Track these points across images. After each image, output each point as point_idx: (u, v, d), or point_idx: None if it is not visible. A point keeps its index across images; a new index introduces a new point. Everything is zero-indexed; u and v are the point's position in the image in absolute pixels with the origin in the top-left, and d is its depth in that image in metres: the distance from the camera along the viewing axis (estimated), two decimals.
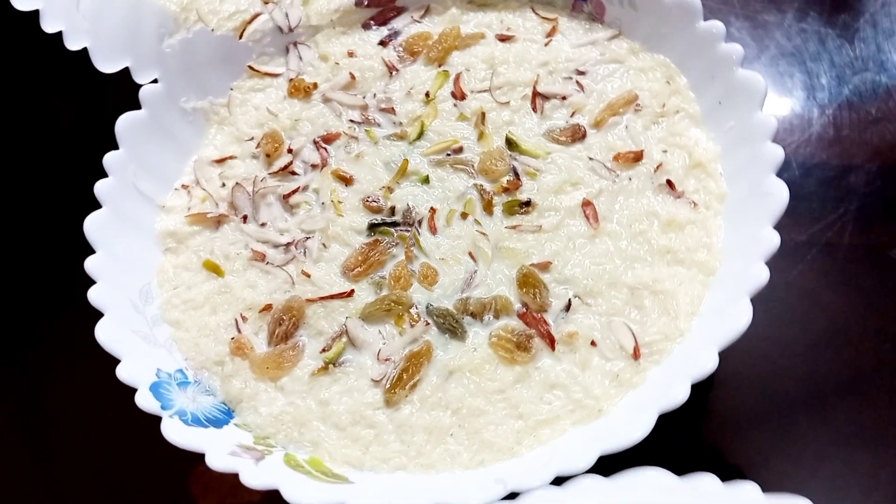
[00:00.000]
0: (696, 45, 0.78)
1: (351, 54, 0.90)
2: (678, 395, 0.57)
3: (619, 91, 0.81)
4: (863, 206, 0.87)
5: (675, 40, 0.80)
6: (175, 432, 0.61)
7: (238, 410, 0.70)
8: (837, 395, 0.76)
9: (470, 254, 0.74)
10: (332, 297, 0.73)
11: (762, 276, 0.60)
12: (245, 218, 0.80)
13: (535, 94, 0.83)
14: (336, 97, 0.87)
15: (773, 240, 0.62)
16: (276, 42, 0.90)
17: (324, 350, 0.71)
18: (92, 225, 0.73)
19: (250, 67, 0.90)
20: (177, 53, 0.84)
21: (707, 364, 0.58)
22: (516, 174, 0.78)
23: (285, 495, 0.56)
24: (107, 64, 0.82)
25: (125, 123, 0.80)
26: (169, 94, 0.84)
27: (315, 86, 0.88)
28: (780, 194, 0.64)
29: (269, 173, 0.83)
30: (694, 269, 0.69)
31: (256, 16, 0.87)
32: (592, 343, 0.67)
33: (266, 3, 0.88)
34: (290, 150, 0.84)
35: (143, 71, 0.83)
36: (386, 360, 0.69)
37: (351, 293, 0.73)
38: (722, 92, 0.75)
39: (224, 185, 0.83)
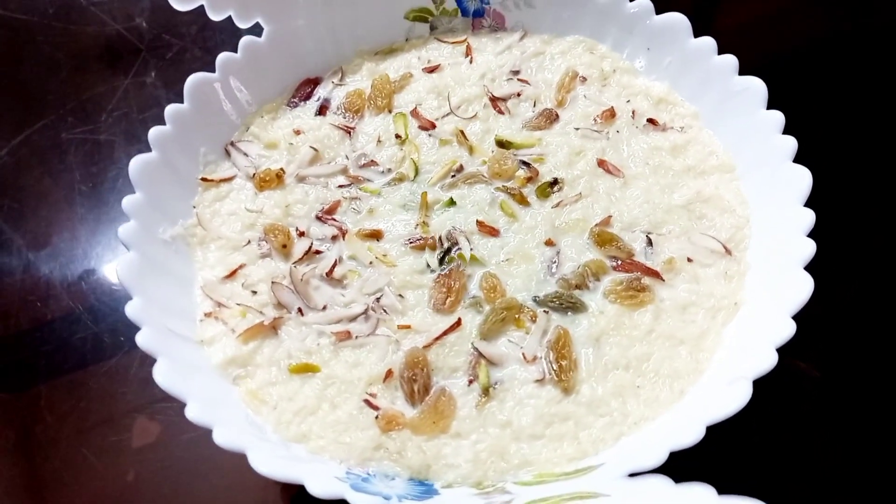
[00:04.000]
0: (602, 16, 0.92)
1: (298, 132, 0.89)
2: (806, 248, 0.67)
3: (558, 73, 0.92)
4: None
5: (579, 19, 0.94)
6: None
7: (432, 476, 0.65)
8: None
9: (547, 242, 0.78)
10: (444, 333, 0.73)
11: (790, 144, 0.74)
12: (300, 311, 0.75)
13: (494, 99, 0.90)
14: (310, 173, 0.86)
15: (777, 115, 0.76)
16: None
17: (470, 382, 0.70)
18: (163, 379, 0.64)
19: (203, 179, 0.85)
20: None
21: (805, 218, 0.68)
22: (527, 165, 0.84)
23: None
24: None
25: (126, 268, 0.71)
26: (145, 229, 0.76)
27: (283, 171, 0.86)
28: (756, 85, 0.79)
29: (294, 263, 0.79)
30: (716, 172, 0.82)
31: None
32: (689, 260, 0.76)
33: None
34: (301, 234, 0.81)
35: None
36: (534, 359, 0.71)
37: (459, 322, 0.73)
38: (646, 41, 0.90)
39: (255, 292, 0.77)
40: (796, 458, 0.76)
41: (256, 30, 0.93)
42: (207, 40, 1.24)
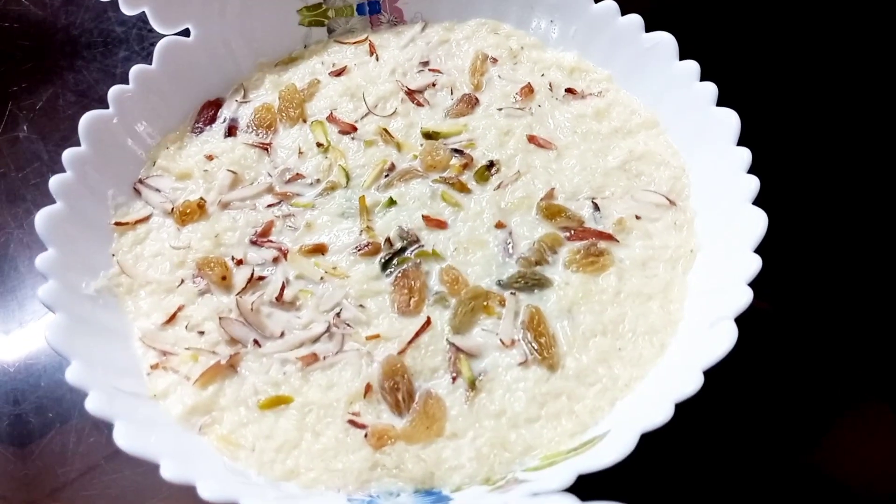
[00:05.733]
0: None
1: (210, 157, 0.84)
2: (750, 184, 0.68)
3: (468, 58, 0.91)
4: None
5: (478, 2, 0.94)
6: None
7: (438, 483, 0.62)
8: None
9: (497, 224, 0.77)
10: (416, 335, 0.70)
11: (710, 89, 0.76)
12: (257, 342, 0.70)
13: (410, 93, 0.88)
14: (233, 197, 0.81)
15: (692, 65, 0.78)
16: None
17: (454, 378, 0.67)
18: (126, 443, 0.58)
19: (117, 223, 0.78)
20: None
21: (742, 156, 0.70)
22: (459, 152, 0.82)
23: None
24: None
25: (55, 332, 0.64)
26: (67, 286, 0.69)
27: (203, 200, 0.80)
28: (666, 39, 0.81)
29: (239, 294, 0.73)
30: (642, 130, 0.83)
31: None
32: (637, 217, 0.77)
33: None
34: (239, 262, 0.76)
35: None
36: (513, 342, 0.69)
37: (429, 322, 0.70)
38: (548, 13, 0.90)
39: (202, 332, 0.71)
40: (754, 390, 0.77)
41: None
42: (80, 83, 1.15)
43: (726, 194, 0.72)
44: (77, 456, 0.81)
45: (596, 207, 0.78)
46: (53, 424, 0.84)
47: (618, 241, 0.75)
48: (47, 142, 1.09)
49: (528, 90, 0.87)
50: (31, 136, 1.09)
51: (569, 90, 0.87)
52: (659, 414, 0.57)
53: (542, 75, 0.89)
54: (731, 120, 0.74)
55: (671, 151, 0.81)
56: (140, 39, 1.19)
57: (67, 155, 0.76)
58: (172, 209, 0.80)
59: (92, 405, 0.60)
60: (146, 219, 0.80)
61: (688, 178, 0.79)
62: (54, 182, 0.74)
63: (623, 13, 0.84)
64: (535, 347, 0.68)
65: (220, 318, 0.71)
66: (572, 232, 0.76)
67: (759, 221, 0.66)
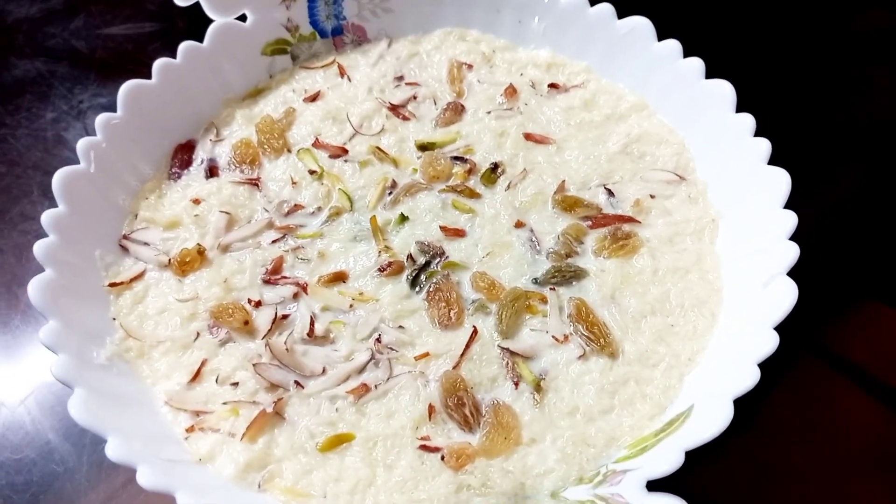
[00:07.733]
0: (464, 2, 0.91)
1: (197, 201, 0.78)
2: (761, 145, 0.70)
3: (442, 68, 0.90)
4: None
5: (441, 12, 0.93)
6: None
7: (530, 492, 0.59)
8: None
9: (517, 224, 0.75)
10: (467, 347, 0.67)
11: (697, 65, 0.78)
12: (298, 384, 0.65)
13: (393, 108, 0.86)
14: (232, 238, 0.76)
15: (674, 44, 0.80)
16: None
17: (517, 384, 0.65)
18: None
19: (111, 284, 0.71)
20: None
21: (744, 120, 0.72)
22: (461, 159, 0.80)
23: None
24: None
25: (82, 408, 0.58)
26: (78, 358, 0.62)
27: (202, 247, 0.74)
28: (642, 22, 0.82)
29: (265, 337, 0.68)
30: (633, 113, 0.84)
31: None
32: (651, 196, 0.77)
33: None
34: (257, 304, 0.70)
35: None
36: (566, 337, 0.67)
37: (475, 331, 0.68)
38: (516, 14, 0.90)
39: (236, 384, 0.66)
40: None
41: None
42: (8, 152, 1.05)
43: (735, 160, 0.73)
44: None
45: (610, 193, 0.77)
46: None
47: (640, 222, 0.75)
48: None
49: (512, 91, 0.87)
50: None
51: (552, 85, 0.87)
52: (745, 378, 0.56)
53: (521, 74, 0.89)
54: (724, 90, 0.75)
55: (667, 129, 0.82)
56: (66, 98, 1.11)
57: (47, 217, 0.69)
58: (169, 261, 0.74)
59: (146, 480, 0.54)
60: (140, 275, 0.73)
61: (689, 152, 0.80)
62: (39, 248, 0.66)
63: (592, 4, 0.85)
64: (590, 338, 0.67)
65: (253, 366, 0.66)
66: (593, 220, 0.75)
67: (781, 179, 0.68)
